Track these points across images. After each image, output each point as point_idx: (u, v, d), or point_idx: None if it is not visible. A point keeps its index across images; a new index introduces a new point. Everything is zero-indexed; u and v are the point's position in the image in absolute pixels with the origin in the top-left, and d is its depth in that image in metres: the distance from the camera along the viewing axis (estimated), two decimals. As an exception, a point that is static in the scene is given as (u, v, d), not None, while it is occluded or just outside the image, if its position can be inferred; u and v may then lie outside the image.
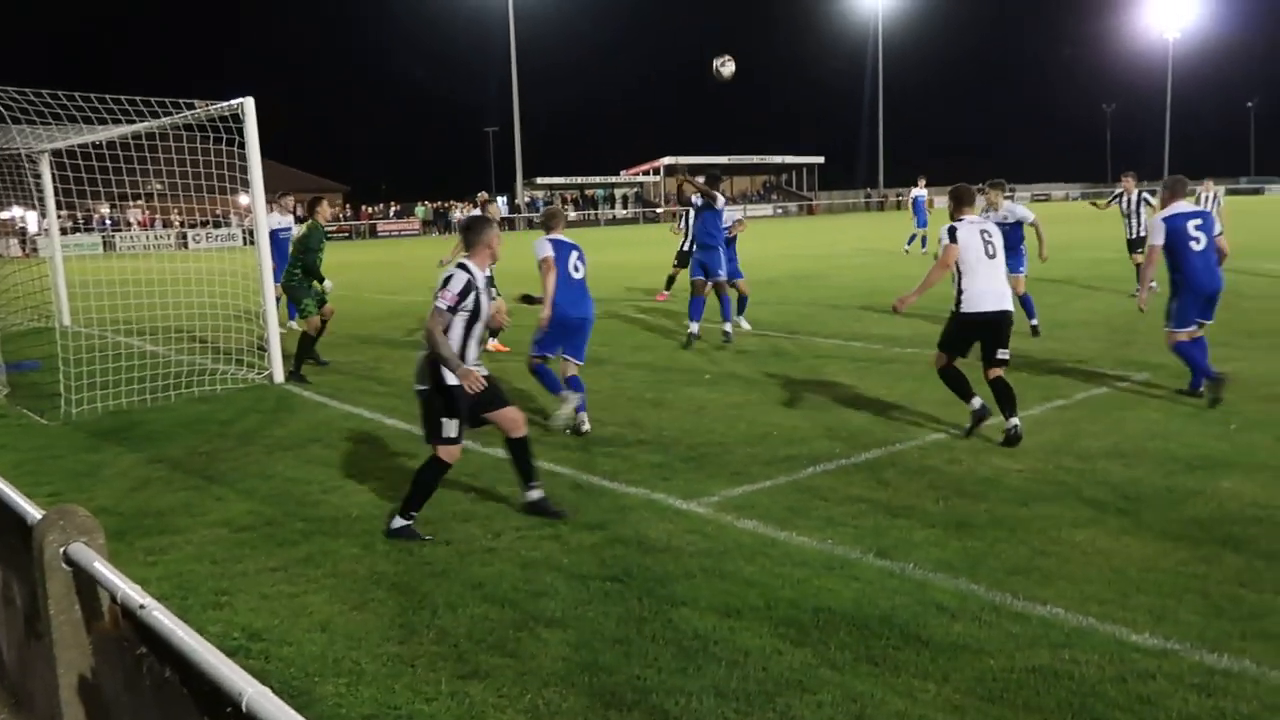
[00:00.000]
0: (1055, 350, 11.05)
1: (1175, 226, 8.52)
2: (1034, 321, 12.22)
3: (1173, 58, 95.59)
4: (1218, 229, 8.71)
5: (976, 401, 7.54)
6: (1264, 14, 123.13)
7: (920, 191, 27.60)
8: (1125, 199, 16.11)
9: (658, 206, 73.87)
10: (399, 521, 5.73)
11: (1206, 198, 21.39)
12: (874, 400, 8.86)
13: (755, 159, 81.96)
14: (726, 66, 12.39)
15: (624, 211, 74.42)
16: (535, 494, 6.04)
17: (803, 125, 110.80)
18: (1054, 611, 4.44)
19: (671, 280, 18.09)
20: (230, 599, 4.90)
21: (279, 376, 10.71)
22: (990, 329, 7.50)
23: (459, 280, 5.69)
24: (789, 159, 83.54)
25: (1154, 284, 9.66)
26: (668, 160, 76.64)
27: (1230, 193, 76.51)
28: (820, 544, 5.37)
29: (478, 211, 19.68)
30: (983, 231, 7.58)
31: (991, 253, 7.51)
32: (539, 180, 72.39)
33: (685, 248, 16.57)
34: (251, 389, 10.48)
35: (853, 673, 3.96)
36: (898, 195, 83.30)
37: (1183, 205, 8.75)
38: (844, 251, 29.86)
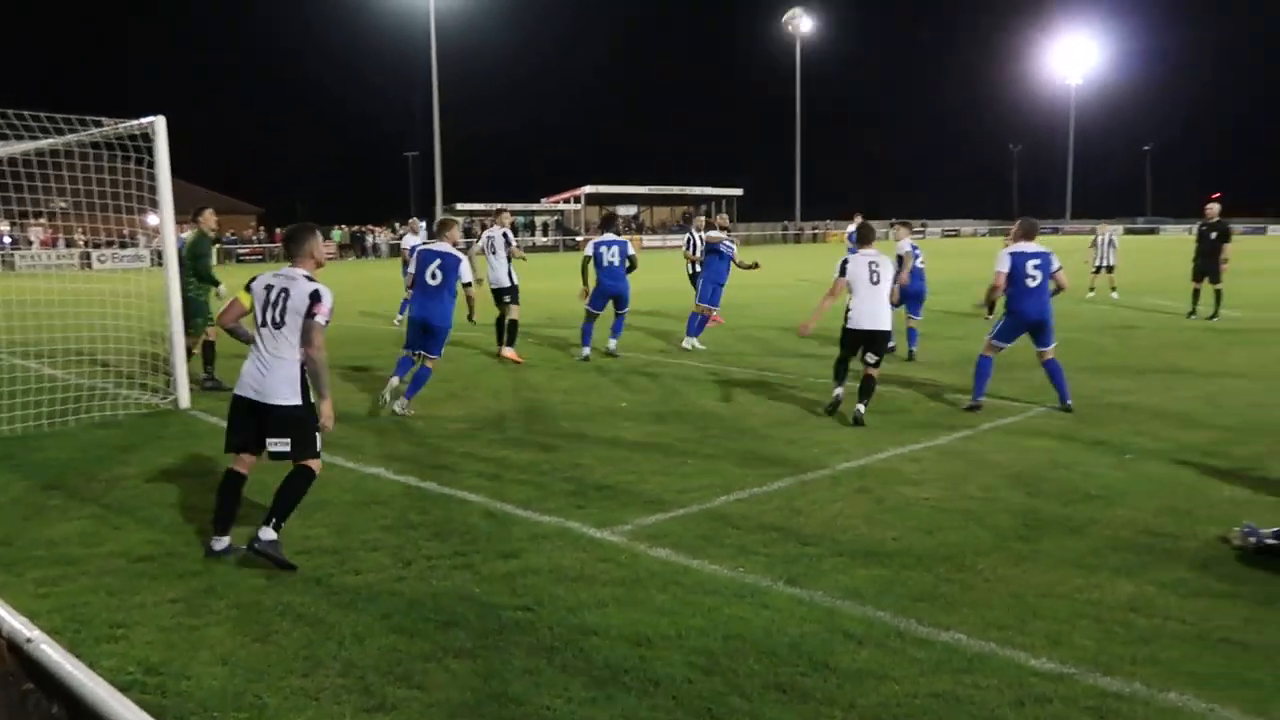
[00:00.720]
0: (963, 384, 11.33)
1: (1017, 263, 9.72)
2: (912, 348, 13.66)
3: (1075, 102, 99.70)
4: (1056, 266, 9.78)
5: (839, 391, 9.66)
6: (1158, 63, 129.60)
7: (853, 228, 28.29)
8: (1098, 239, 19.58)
9: (578, 234, 73.96)
10: (270, 534, 5.50)
11: (1103, 240, 22.35)
12: (788, 429, 8.98)
13: (676, 189, 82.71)
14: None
15: (544, 239, 74.33)
16: (269, 535, 5.52)
17: (723, 157, 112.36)
18: (956, 637, 4.55)
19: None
20: (126, 632, 4.73)
21: (184, 401, 10.42)
22: (865, 340, 9.49)
23: (330, 295, 5.75)
24: (709, 190, 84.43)
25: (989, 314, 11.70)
26: (589, 189, 76.98)
27: (1128, 232, 79.92)
28: (732, 572, 5.41)
29: (410, 235, 19.63)
30: (871, 263, 9.48)
31: (875, 280, 9.41)
32: (459, 206, 71.81)
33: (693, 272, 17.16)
34: (155, 414, 10.18)
35: (761, 700, 3.99)
36: (814, 229, 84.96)
37: (1028, 245, 9.80)
38: (760, 283, 30.23)
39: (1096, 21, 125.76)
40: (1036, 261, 9.66)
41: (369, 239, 62.11)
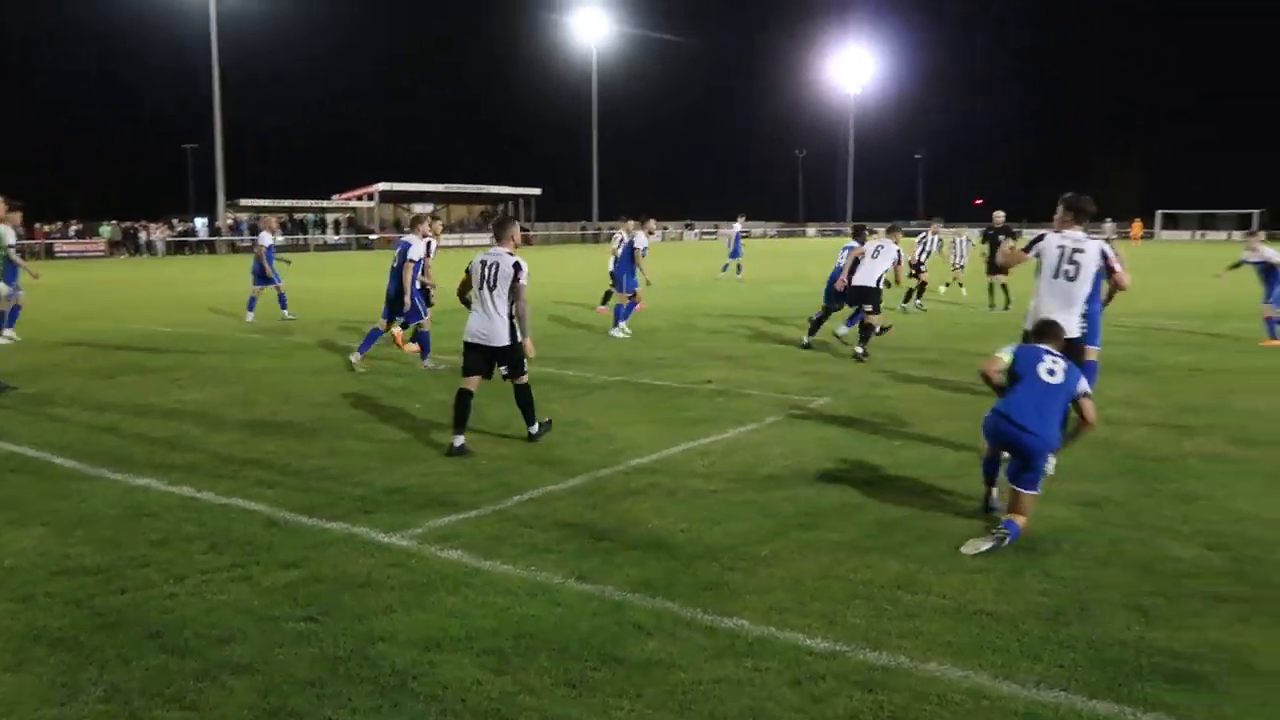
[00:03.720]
0: (748, 379, 11.78)
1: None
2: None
3: (854, 111, 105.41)
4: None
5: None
6: (929, 75, 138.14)
7: (739, 226, 31.16)
8: (931, 238, 21.16)
9: (371, 233, 71.95)
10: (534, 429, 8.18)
11: (962, 241, 24.23)
12: (582, 428, 9.06)
13: (473, 188, 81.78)
14: None
15: (336, 237, 71.86)
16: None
17: (522, 157, 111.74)
18: (740, 623, 4.72)
19: (608, 295, 18.93)
20: None
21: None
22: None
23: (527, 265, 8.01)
24: (507, 189, 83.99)
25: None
26: (382, 186, 74.91)
27: (905, 234, 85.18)
28: (524, 571, 5.41)
29: (265, 234, 19.37)
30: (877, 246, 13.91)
31: (876, 255, 13.49)
32: (243, 202, 68.31)
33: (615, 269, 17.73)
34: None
35: (551, 697, 4.01)
36: (611, 229, 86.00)
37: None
38: (558, 282, 30.38)
39: (873, 34, 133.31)
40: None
41: (143, 236, 58.09)
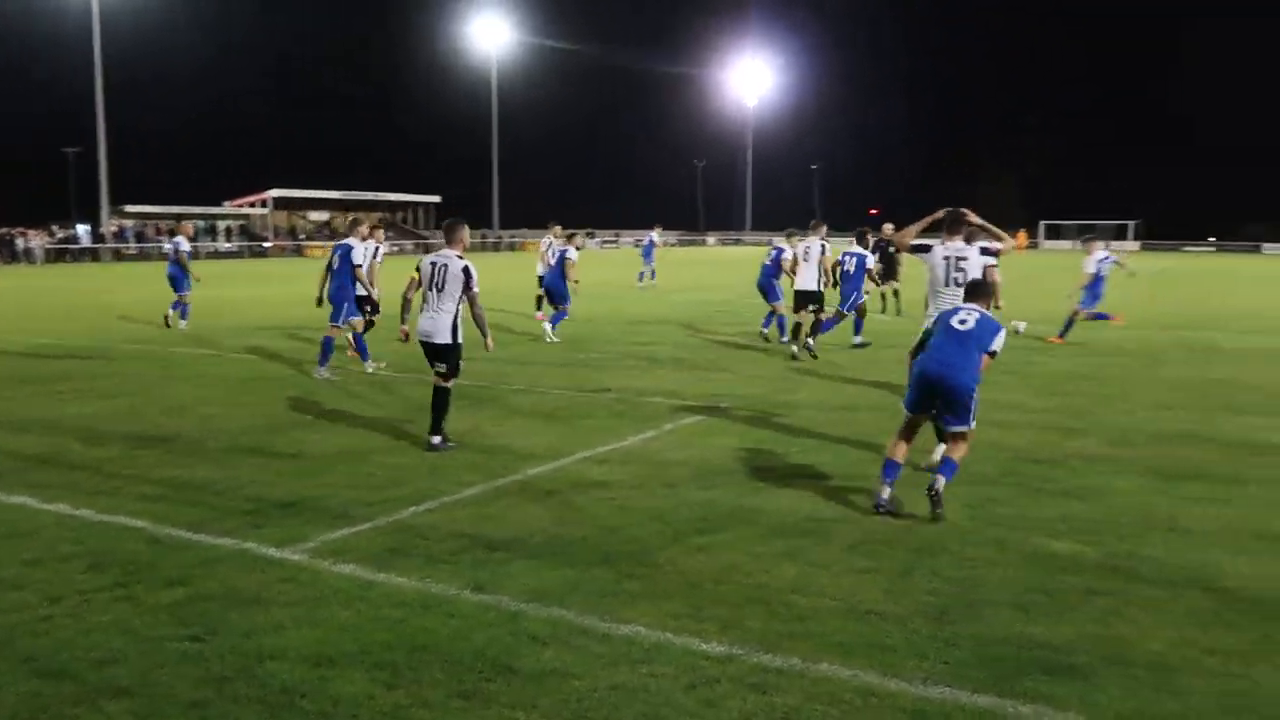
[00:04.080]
0: (648, 386, 11.84)
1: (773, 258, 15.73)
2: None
3: (752, 121, 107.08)
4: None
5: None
6: (824, 88, 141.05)
7: (654, 234, 33.37)
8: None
9: (265, 240, 70.16)
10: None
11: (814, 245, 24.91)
12: (480, 437, 8.98)
13: (371, 195, 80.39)
14: None
15: (228, 245, 69.85)
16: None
17: (421, 164, 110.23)
18: (636, 630, 4.74)
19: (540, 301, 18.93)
20: None
21: None
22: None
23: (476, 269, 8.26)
24: (406, 197, 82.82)
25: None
26: (276, 192, 73.16)
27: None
28: (419, 583, 5.34)
29: (182, 239, 18.94)
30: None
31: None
32: (129, 209, 65.85)
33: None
34: None
35: (444, 709, 3.97)
36: (512, 237, 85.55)
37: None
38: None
39: (770, 46, 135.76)
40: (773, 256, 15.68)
41: (20, 243, 55.48)
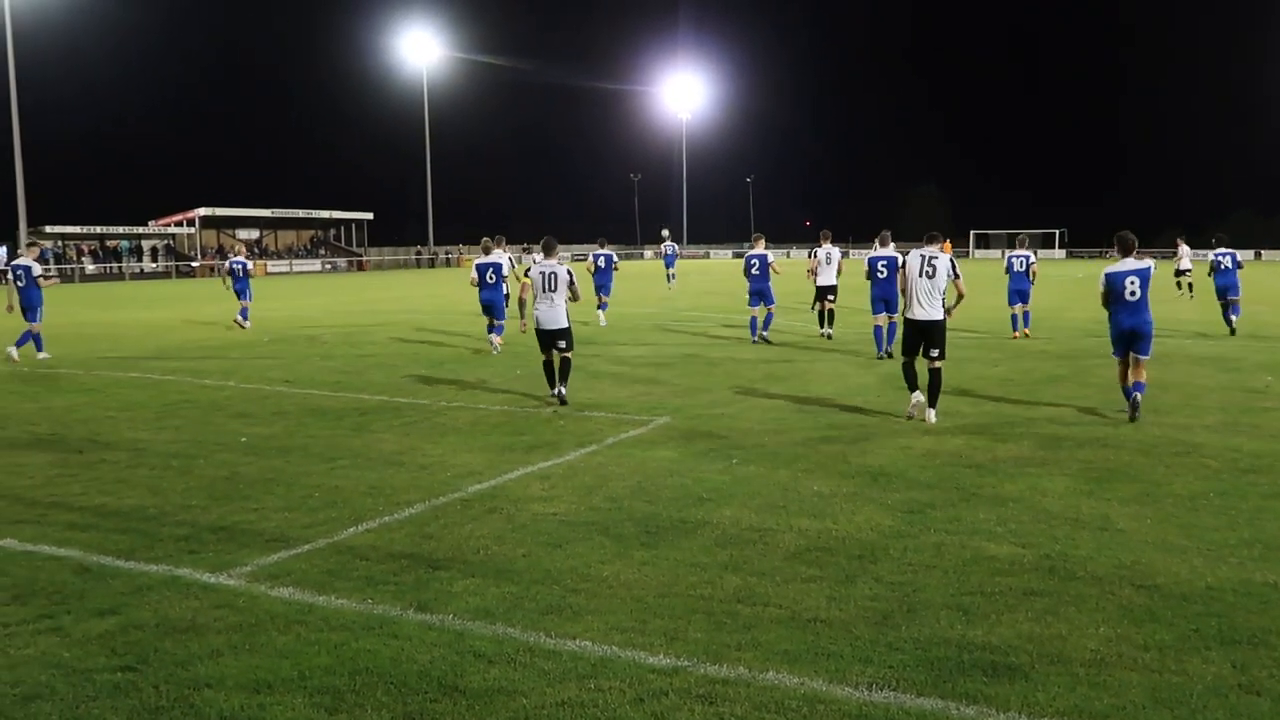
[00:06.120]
0: (590, 400, 11.83)
1: (749, 262, 17.74)
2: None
3: (686, 135, 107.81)
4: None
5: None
6: (758, 101, 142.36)
7: (671, 244, 40.01)
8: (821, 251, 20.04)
9: (193, 260, 68.75)
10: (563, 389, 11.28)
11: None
12: (419, 455, 8.89)
13: (302, 213, 79.24)
14: None
15: (154, 265, 68.30)
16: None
17: (354, 181, 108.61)
18: (582, 645, 4.72)
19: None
20: None
21: None
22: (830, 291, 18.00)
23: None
24: (338, 214, 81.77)
25: None
26: (204, 211, 71.74)
27: (736, 255, 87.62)
28: (360, 605, 5.26)
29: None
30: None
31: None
32: (48, 229, 64.00)
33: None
34: None
35: (389, 732, 3.90)
36: (447, 253, 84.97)
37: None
38: (393, 309, 29.80)
39: (703, 61, 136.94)
40: (755, 264, 17.40)
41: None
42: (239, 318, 22.28)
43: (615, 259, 24.16)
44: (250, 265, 23.19)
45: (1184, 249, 31.27)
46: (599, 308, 23.04)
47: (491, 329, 17.19)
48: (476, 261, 17.64)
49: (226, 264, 22.95)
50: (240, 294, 22.46)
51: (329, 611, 5.17)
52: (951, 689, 4.26)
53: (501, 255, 17.80)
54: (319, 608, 5.23)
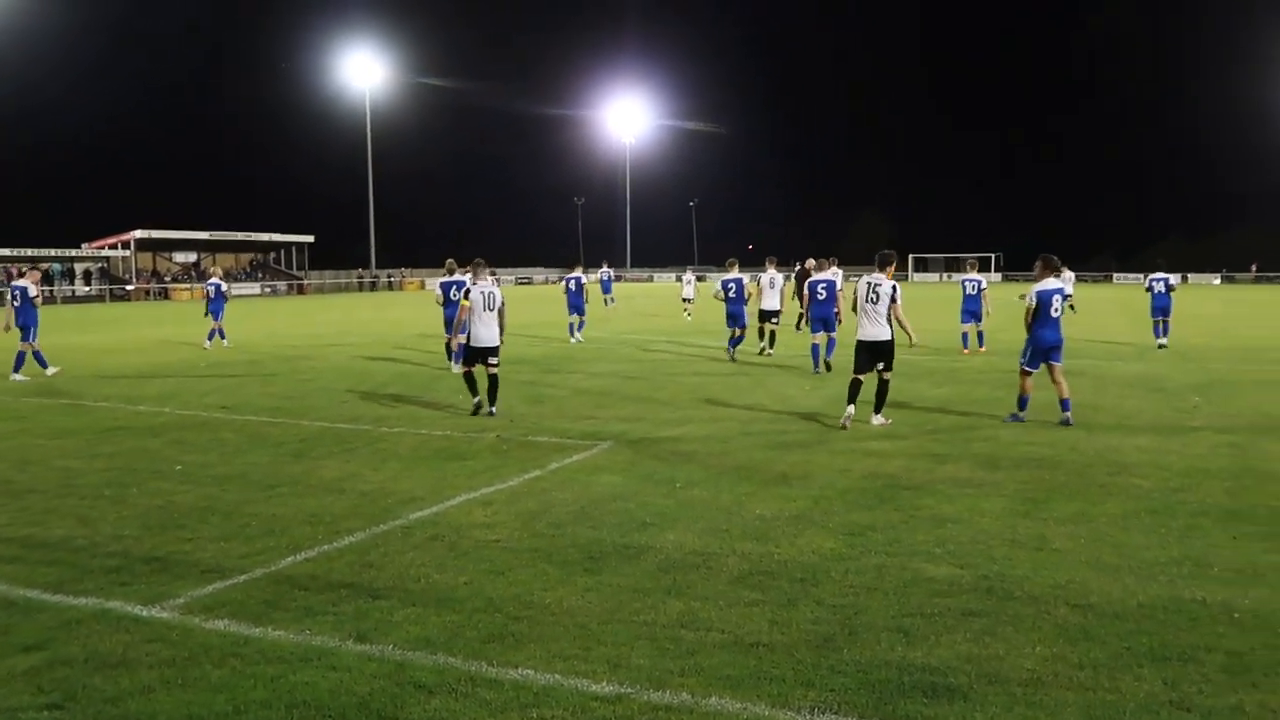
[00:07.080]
0: (532, 424, 11.78)
1: (725, 284, 19.30)
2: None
3: (630, 160, 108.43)
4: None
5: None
6: (700, 121, 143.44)
7: (607, 270, 39.96)
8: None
9: (128, 283, 67.33)
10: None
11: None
12: (360, 482, 8.77)
13: (241, 235, 78.13)
14: None
15: (87, 288, 66.77)
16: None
17: (295, 204, 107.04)
18: (525, 674, 4.68)
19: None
20: None
21: None
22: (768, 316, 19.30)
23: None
24: (278, 236, 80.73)
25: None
26: (140, 233, 70.44)
27: (676, 280, 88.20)
28: (298, 636, 5.16)
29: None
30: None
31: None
32: (-24, 250, 62.37)
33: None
34: None
35: (326, 767, 3.83)
36: (389, 276, 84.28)
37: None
38: (333, 332, 29.44)
39: (645, 85, 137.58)
40: (733, 288, 18.93)
41: None
42: (218, 337, 23.25)
43: (585, 280, 25.84)
44: (225, 287, 24.28)
45: (1067, 273, 32.47)
46: (578, 328, 24.71)
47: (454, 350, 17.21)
48: (440, 280, 18.28)
49: (203, 287, 24.59)
50: (215, 314, 23.24)
51: (265, 643, 5.07)
52: (892, 711, 4.29)
53: (475, 276, 18.17)
54: (255, 639, 5.12)
